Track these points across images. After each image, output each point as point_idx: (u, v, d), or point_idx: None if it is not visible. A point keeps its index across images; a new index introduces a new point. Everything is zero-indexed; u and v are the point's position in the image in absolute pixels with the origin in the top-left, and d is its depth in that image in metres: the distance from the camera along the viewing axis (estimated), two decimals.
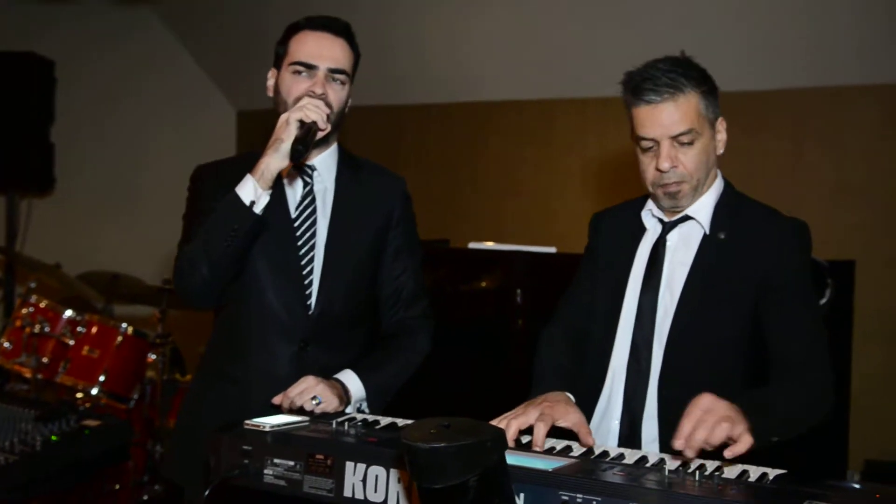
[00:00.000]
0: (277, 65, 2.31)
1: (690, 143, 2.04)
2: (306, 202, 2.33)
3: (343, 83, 2.27)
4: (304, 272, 2.29)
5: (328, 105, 2.20)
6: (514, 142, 5.70)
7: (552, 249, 3.94)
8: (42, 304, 4.17)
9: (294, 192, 2.33)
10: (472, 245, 4.10)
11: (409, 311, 2.45)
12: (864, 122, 4.71)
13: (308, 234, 2.31)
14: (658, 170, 2.07)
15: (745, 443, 1.66)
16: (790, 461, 1.77)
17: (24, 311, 4.16)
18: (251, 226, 2.13)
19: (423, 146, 6.01)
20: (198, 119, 6.62)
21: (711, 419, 1.68)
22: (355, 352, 2.38)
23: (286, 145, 2.09)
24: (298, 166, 2.30)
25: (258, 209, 2.12)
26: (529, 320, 3.70)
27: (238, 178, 2.17)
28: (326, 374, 2.24)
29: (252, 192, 2.11)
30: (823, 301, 3.73)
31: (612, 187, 5.06)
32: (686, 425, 1.69)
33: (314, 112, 2.10)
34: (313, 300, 2.29)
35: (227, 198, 2.13)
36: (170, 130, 6.42)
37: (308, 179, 2.34)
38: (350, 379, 2.26)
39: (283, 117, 2.12)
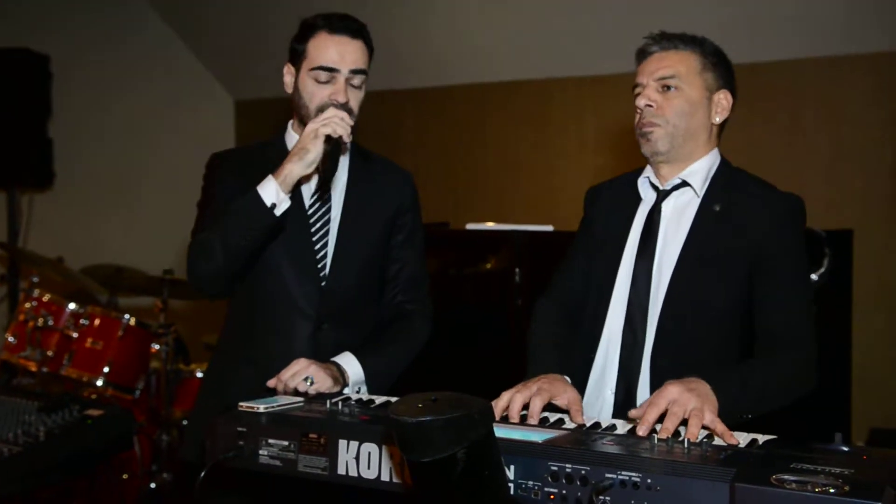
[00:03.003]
0: (295, 63, 2.35)
1: (674, 90, 2.11)
2: (320, 191, 2.41)
3: (361, 85, 2.35)
4: (318, 256, 2.37)
5: (350, 113, 2.28)
6: (512, 122, 5.69)
7: (549, 228, 3.94)
8: (45, 298, 4.20)
9: (308, 183, 2.40)
10: (470, 226, 4.11)
11: (408, 295, 2.51)
12: (858, 91, 4.70)
13: (322, 220, 2.39)
14: (637, 110, 2.15)
15: (717, 429, 1.70)
16: (791, 432, 1.78)
17: (27, 305, 4.20)
18: (270, 227, 2.21)
19: (421, 129, 6.01)
20: (196, 110, 6.62)
21: (679, 411, 1.71)
22: (368, 329, 2.45)
23: (312, 156, 2.18)
24: None
25: (278, 212, 2.20)
26: (529, 299, 3.71)
27: (250, 168, 2.27)
28: (341, 351, 2.31)
29: (274, 194, 2.19)
30: (822, 271, 3.73)
31: (611, 165, 5.05)
32: (651, 413, 1.72)
33: (341, 127, 2.19)
34: (326, 281, 2.36)
35: (249, 195, 2.20)
36: (168, 121, 6.43)
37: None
38: (348, 361, 2.28)
39: (310, 128, 2.20)
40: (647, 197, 2.23)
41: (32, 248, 5.25)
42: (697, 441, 1.63)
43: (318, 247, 2.37)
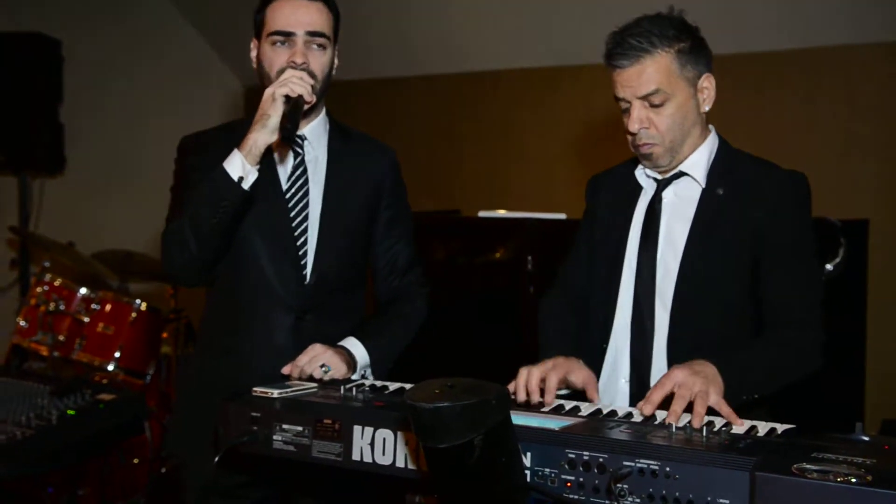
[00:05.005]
0: (257, 35, 2.29)
1: (662, 104, 2.04)
2: (298, 172, 2.31)
3: (324, 47, 2.24)
4: (299, 242, 2.28)
5: (311, 74, 2.18)
6: (523, 110, 5.66)
7: (562, 216, 3.93)
8: (56, 283, 4.20)
9: (285, 163, 2.32)
10: (483, 213, 4.09)
11: (405, 278, 2.47)
12: (873, 79, 4.65)
13: (301, 205, 2.30)
14: (628, 133, 2.09)
15: (723, 411, 1.71)
16: (804, 422, 1.76)
17: (38, 289, 4.20)
18: (240, 202, 2.11)
19: (431, 116, 5.99)
20: (206, 95, 6.60)
21: (686, 394, 1.71)
22: (352, 319, 2.38)
23: (273, 121, 2.07)
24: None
25: (247, 185, 2.10)
26: (540, 287, 3.70)
27: (224, 149, 2.16)
28: (325, 342, 2.23)
29: (240, 167, 2.09)
30: (837, 261, 3.70)
31: (618, 153, 5.01)
32: (656, 394, 1.74)
33: (299, 86, 2.08)
34: (309, 269, 2.29)
35: (214, 172, 2.11)
36: (179, 107, 6.40)
37: (299, 150, 2.32)
38: (354, 346, 2.26)
39: (268, 92, 2.10)
40: (648, 186, 2.22)
41: (44, 232, 5.24)
42: (716, 430, 1.62)
43: (297, 232, 2.28)
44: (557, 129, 5.51)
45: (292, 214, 2.28)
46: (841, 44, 4.66)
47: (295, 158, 2.32)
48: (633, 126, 2.06)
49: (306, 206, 2.30)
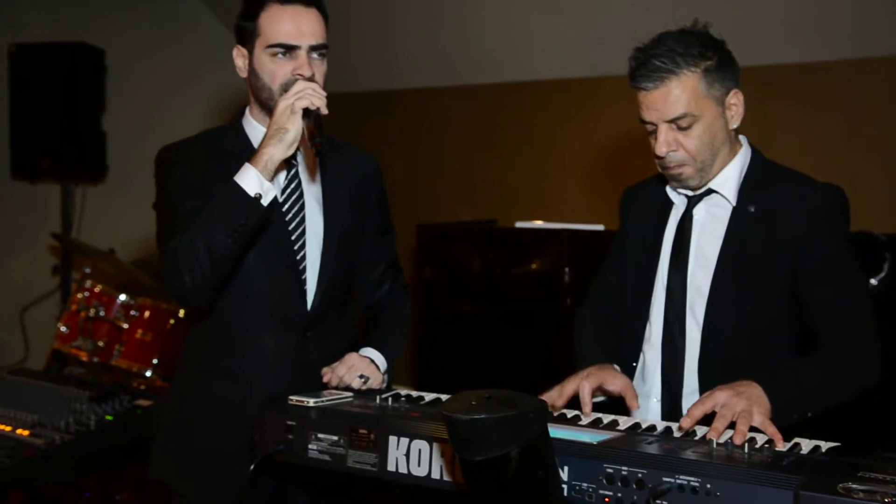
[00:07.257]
0: (246, 43, 2.16)
1: (689, 127, 1.98)
2: (293, 186, 2.23)
3: (324, 56, 2.15)
4: (298, 256, 2.20)
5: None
6: (561, 120, 5.64)
7: (600, 227, 3.90)
8: (97, 289, 4.25)
9: (278, 176, 2.17)
10: (520, 224, 4.08)
11: (395, 283, 2.46)
12: None
13: (298, 218, 2.21)
14: (657, 155, 2.04)
15: (768, 431, 1.68)
16: (853, 440, 1.72)
17: (79, 295, 4.26)
18: (260, 220, 2.01)
19: (466, 126, 5.98)
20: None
21: (728, 413, 1.68)
22: (347, 331, 2.35)
23: (292, 135, 1.98)
24: None
25: (266, 202, 2.00)
26: (577, 299, 3.67)
27: (209, 161, 2.12)
28: (326, 357, 2.20)
29: (257, 184, 1.97)
30: (882, 276, 3.63)
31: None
32: (696, 410, 1.73)
33: (318, 98, 1.99)
34: (312, 284, 2.21)
35: (227, 188, 1.98)
36: (219, 117, 6.47)
37: (294, 161, 2.22)
38: (375, 355, 2.24)
39: (283, 105, 1.99)
40: (679, 202, 2.16)
41: (85, 239, 5.31)
42: (758, 446, 1.59)
43: (297, 246, 2.19)
44: (597, 139, 5.48)
45: (290, 227, 2.19)
46: (882, 56, 4.58)
47: (289, 171, 2.22)
48: (661, 150, 2.01)
49: (303, 219, 2.22)
